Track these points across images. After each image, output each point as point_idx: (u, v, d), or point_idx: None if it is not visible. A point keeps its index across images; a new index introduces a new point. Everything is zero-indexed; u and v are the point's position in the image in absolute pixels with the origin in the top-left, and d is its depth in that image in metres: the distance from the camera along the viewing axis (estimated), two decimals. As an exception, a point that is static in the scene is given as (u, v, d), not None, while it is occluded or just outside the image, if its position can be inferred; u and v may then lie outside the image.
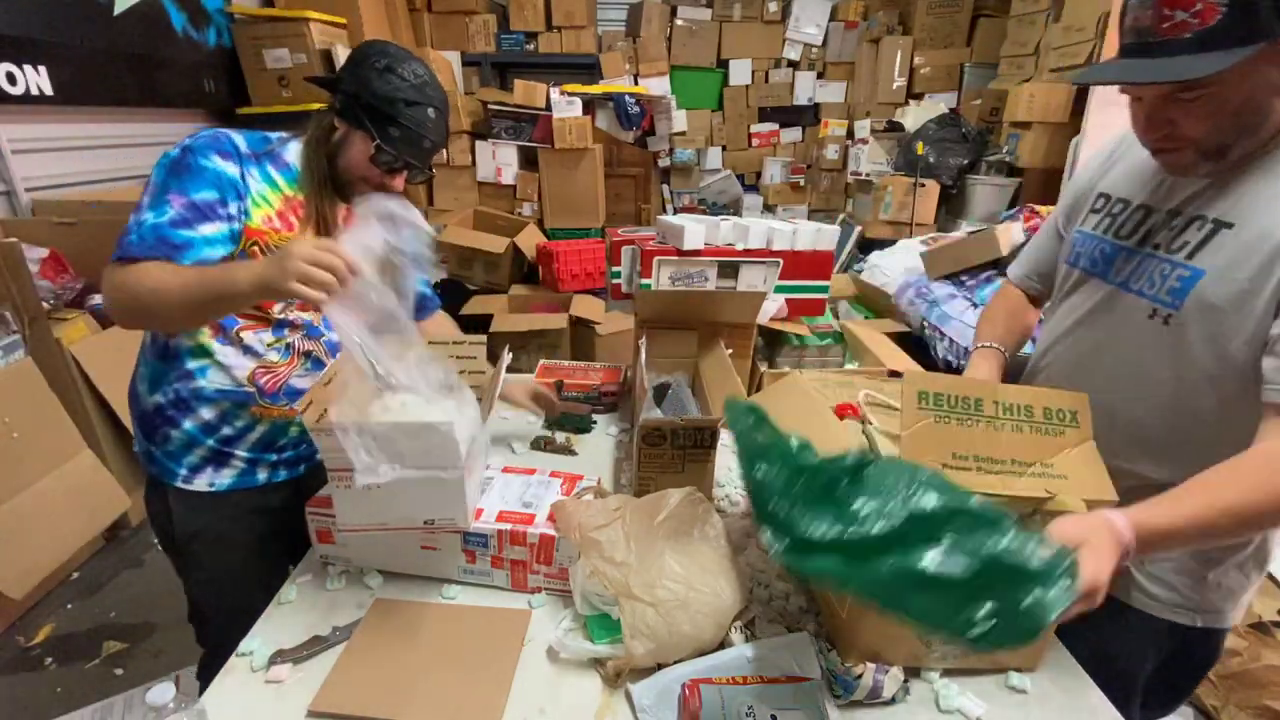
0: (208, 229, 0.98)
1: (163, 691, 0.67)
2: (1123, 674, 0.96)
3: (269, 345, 1.10)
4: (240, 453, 1.14)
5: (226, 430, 1.12)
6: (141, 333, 1.13)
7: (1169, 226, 0.87)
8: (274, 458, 1.18)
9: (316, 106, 1.12)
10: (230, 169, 1.01)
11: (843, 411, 1.04)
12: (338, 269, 0.83)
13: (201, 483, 1.13)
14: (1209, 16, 0.69)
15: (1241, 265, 0.78)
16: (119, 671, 1.90)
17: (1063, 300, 1.04)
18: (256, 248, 1.03)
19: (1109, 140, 1.04)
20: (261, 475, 1.17)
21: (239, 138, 1.04)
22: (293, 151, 1.10)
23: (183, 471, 1.12)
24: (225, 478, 1.14)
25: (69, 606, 2.15)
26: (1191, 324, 0.82)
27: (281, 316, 1.10)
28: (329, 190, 1.11)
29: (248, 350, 1.09)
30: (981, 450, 0.77)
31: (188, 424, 1.10)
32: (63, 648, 1.99)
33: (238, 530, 1.16)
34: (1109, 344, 0.93)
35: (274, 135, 1.10)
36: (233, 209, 1.01)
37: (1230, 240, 0.80)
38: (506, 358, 1.16)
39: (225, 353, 1.08)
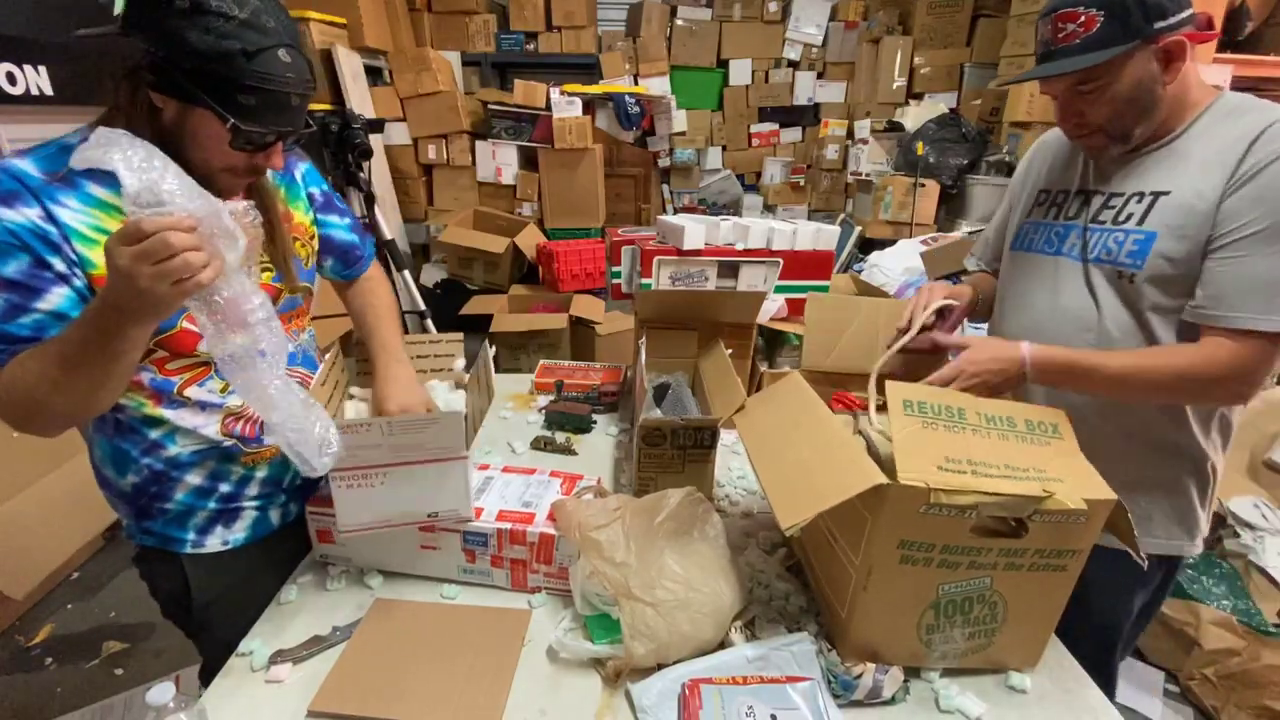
0: (49, 302, 0.77)
1: (163, 691, 0.67)
2: (1120, 613, 1.11)
3: (223, 391, 0.93)
4: (248, 503, 1.02)
5: (224, 488, 0.99)
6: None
7: (1109, 205, 1.02)
8: (284, 498, 1.07)
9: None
10: (23, 216, 0.75)
11: (837, 402, 1.05)
12: (186, 244, 0.64)
13: (214, 542, 1.00)
14: (1091, 25, 0.89)
15: (1189, 223, 0.92)
16: (119, 671, 1.90)
17: (1021, 284, 1.14)
18: None
19: (1034, 150, 1.23)
20: (275, 517, 1.06)
21: (23, 165, 0.77)
22: None
23: (191, 536, 0.99)
24: (239, 531, 1.02)
25: (69, 606, 2.15)
26: (1150, 278, 0.96)
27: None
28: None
29: (204, 406, 0.92)
30: (974, 455, 0.77)
31: (179, 494, 0.96)
32: (63, 648, 1.99)
33: (258, 586, 1.01)
34: (1080, 310, 1.04)
35: (74, 139, 0.79)
36: (58, 265, 0.77)
37: (1170, 204, 0.94)
38: (489, 351, 1.15)
39: (180, 417, 0.91)
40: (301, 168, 1.08)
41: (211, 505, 0.99)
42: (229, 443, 0.96)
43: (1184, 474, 1.04)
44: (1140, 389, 0.95)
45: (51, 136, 0.81)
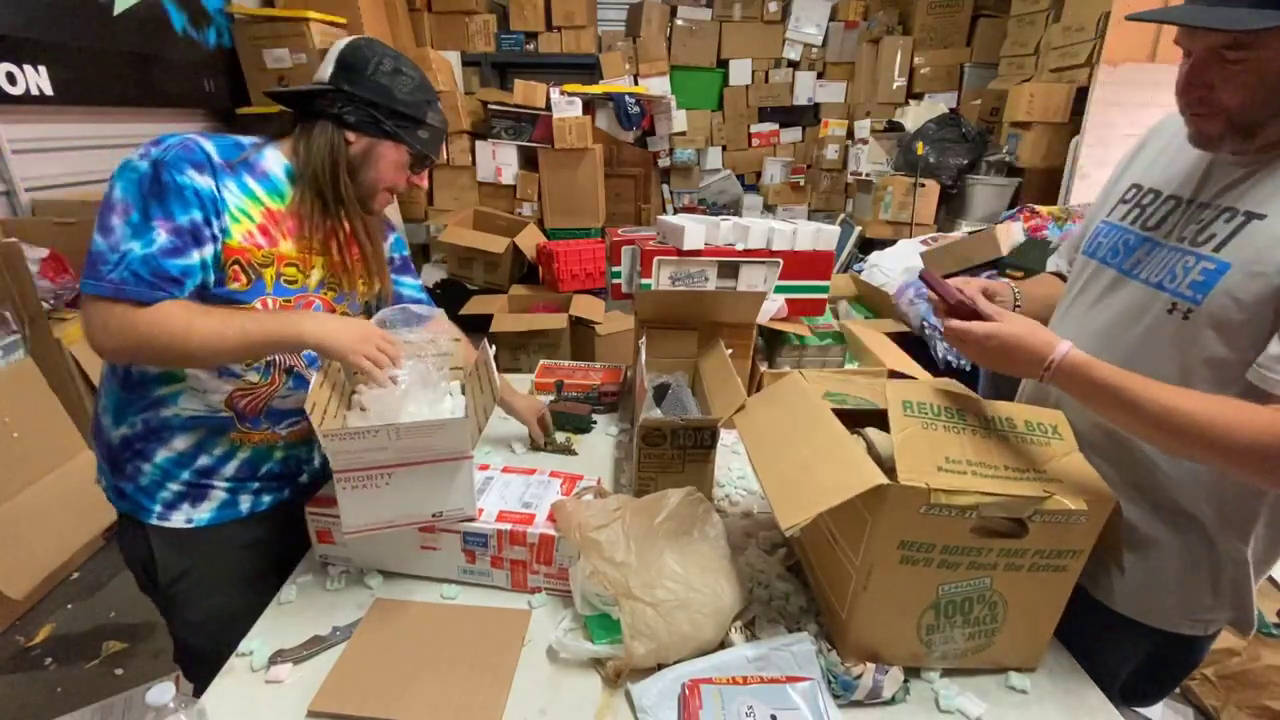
0: (199, 253, 0.90)
1: (163, 691, 0.67)
2: (1102, 671, 0.95)
3: (248, 364, 1.01)
4: (219, 483, 1.05)
5: (203, 460, 1.03)
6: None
7: (1197, 220, 0.84)
8: (256, 485, 1.09)
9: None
10: (205, 183, 0.91)
11: None
12: (395, 359, 0.99)
13: (178, 519, 1.04)
14: None
15: (1270, 258, 0.74)
16: (119, 671, 1.90)
17: (1078, 293, 1.00)
18: (237, 267, 0.96)
19: (1148, 131, 1.01)
20: (245, 505, 1.08)
21: (210, 146, 0.93)
22: (271, 160, 1.01)
23: (157, 508, 1.03)
24: (204, 511, 1.05)
25: (69, 606, 2.15)
26: (1210, 319, 0.78)
27: None
28: (350, 208, 1.04)
29: (224, 372, 1.00)
30: (973, 456, 0.77)
31: (159, 456, 1.01)
32: (63, 648, 1.99)
33: (225, 568, 1.07)
34: (1118, 337, 0.89)
35: (246, 141, 0.99)
36: (214, 228, 0.92)
37: (1261, 232, 0.76)
38: (490, 350, 1.17)
39: (199, 376, 0.99)
40: (392, 236, 1.26)
41: (185, 475, 1.03)
42: (226, 414, 1.02)
43: (1191, 551, 0.88)
44: (1191, 442, 0.72)
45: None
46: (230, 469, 1.06)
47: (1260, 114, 0.75)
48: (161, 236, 0.87)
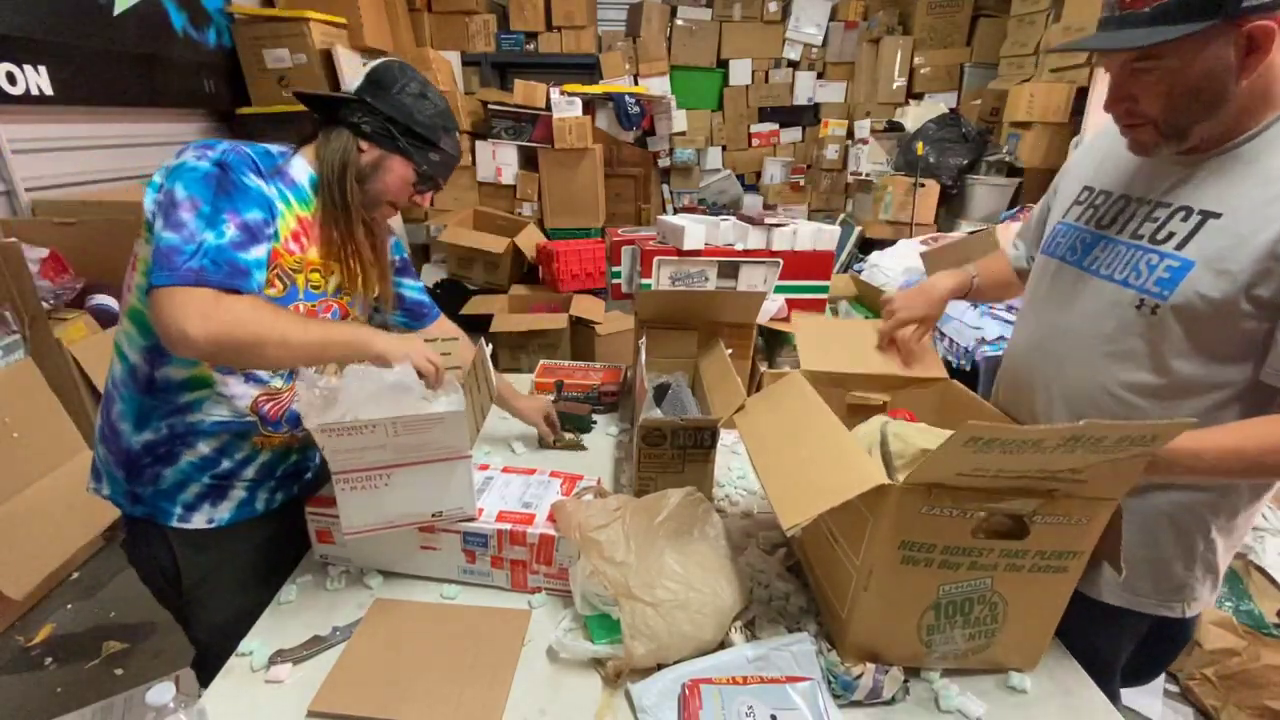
0: (258, 252, 0.93)
1: (163, 691, 0.67)
2: (1103, 664, 0.98)
3: (274, 371, 1.04)
4: (238, 484, 1.07)
5: (225, 464, 1.04)
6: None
7: (1151, 218, 0.87)
8: (273, 484, 1.11)
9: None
10: (265, 188, 0.96)
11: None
12: (439, 369, 1.00)
13: (199, 519, 1.04)
14: None
15: (1234, 257, 0.78)
16: (119, 671, 1.90)
17: (1040, 291, 1.03)
18: (276, 272, 0.98)
19: (1094, 135, 1.07)
20: (260, 503, 1.10)
21: (253, 154, 0.97)
22: (297, 168, 1.04)
23: (178, 510, 1.02)
24: (224, 511, 1.06)
25: (69, 606, 2.15)
26: (1177, 314, 0.82)
27: None
28: (355, 213, 1.06)
29: (251, 378, 1.02)
30: (1008, 467, 0.69)
31: (184, 460, 1.01)
32: (63, 648, 1.99)
33: (246, 566, 1.08)
34: (1086, 332, 0.92)
35: (275, 150, 1.03)
36: (270, 229, 0.96)
37: (1219, 230, 0.80)
38: (487, 350, 1.17)
39: (227, 382, 1.00)
40: (392, 239, 1.28)
41: (205, 480, 1.03)
42: (250, 418, 1.03)
43: (1160, 530, 0.92)
44: (1239, 473, 0.82)
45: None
46: (250, 471, 1.06)
47: (1185, 117, 0.80)
48: (231, 230, 0.89)
